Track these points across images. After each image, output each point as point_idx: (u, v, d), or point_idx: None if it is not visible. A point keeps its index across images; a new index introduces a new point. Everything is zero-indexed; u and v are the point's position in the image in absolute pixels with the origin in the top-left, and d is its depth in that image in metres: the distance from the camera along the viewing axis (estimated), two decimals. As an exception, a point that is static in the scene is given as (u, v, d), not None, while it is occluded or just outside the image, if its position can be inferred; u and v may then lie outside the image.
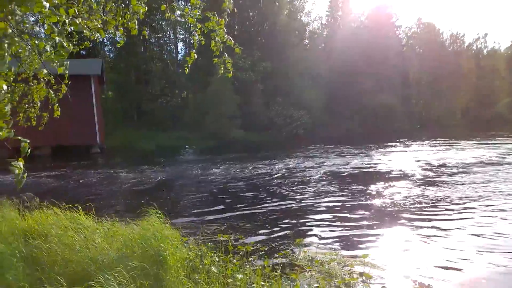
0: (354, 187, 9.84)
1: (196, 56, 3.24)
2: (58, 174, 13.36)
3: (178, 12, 3.48)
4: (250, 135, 29.70)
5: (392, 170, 12.51)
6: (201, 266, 3.74)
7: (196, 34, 3.35)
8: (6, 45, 2.50)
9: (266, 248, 5.18)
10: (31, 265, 3.06)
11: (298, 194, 9.11)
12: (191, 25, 3.44)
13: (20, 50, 3.59)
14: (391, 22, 44.26)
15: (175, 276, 3.25)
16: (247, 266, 4.06)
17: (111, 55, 38.88)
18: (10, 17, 2.52)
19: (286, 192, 9.46)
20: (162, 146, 24.93)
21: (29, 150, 2.09)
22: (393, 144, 22.96)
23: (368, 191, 9.25)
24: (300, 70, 35.81)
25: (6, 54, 2.78)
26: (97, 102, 21.70)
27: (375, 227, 6.26)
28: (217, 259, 4.13)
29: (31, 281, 2.80)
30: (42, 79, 3.90)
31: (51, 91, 3.69)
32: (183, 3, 37.57)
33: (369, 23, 42.76)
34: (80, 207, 4.71)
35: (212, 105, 29.41)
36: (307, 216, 7.08)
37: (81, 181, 11.99)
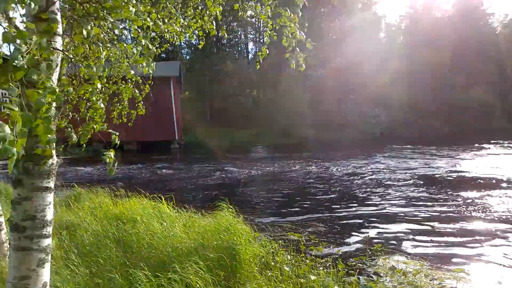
0: (445, 193, 8.91)
1: (267, 52, 3.28)
2: (143, 167, 14.62)
3: (250, 12, 3.54)
4: (322, 133, 29.14)
5: (491, 176, 10.98)
6: (273, 263, 3.76)
7: (268, 30, 3.39)
8: (101, 49, 2.78)
9: (341, 252, 4.99)
10: (122, 247, 3.38)
11: (379, 198, 8.60)
12: (262, 22, 3.48)
13: (111, 54, 3.99)
14: (481, 9, 39.77)
15: (248, 270, 3.32)
16: (320, 268, 3.97)
17: (188, 57, 41.35)
18: (102, 23, 2.79)
19: (366, 195, 9.01)
20: (235, 143, 25.76)
21: (118, 141, 2.32)
22: (490, 145, 20.42)
23: (462, 198, 8.27)
24: (376, 65, 34.08)
25: (101, 57, 3.11)
26: (175, 102, 23.26)
27: (470, 240, 5.60)
28: (289, 257, 4.12)
29: (121, 261, 3.09)
30: (129, 80, 4.30)
31: (136, 91, 4.03)
32: (253, 3, 38.23)
33: (455, 11, 38.93)
34: (163, 198, 5.07)
35: (282, 103, 29.54)
36: (389, 223, 6.60)
37: (162, 173, 12.98)
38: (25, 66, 1.40)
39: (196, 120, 32.26)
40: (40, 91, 1.44)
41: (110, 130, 2.37)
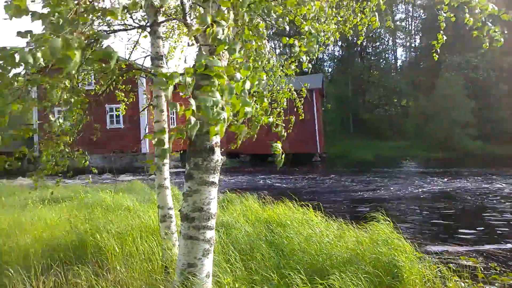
0: None
1: (444, 38, 2.82)
2: (285, 178, 15.10)
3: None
4: (491, 146, 24.56)
5: None
6: (443, 290, 3.18)
7: (443, 13, 2.92)
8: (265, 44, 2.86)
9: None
10: (273, 249, 3.42)
11: None
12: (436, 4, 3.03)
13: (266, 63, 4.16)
14: None
15: (414, 292, 2.87)
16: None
17: (329, 70, 41.42)
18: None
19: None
20: (381, 156, 24.16)
21: (281, 152, 2.38)
22: None
23: None
24: None
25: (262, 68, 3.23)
26: (318, 114, 23.46)
27: None
28: (463, 285, 3.43)
29: (275, 262, 3.10)
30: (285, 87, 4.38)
31: (294, 93, 4.06)
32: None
33: None
34: (310, 205, 4.99)
35: (438, 112, 26.25)
36: None
37: (305, 184, 13.10)
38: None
39: (339, 132, 31.77)
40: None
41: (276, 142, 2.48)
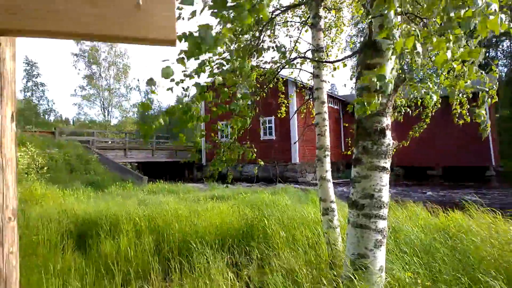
0: None
1: None
2: (452, 191, 13.18)
3: None
4: None
5: None
6: None
7: None
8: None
9: None
10: (455, 254, 2.94)
11: None
12: None
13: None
14: None
15: None
16: None
17: (505, 69, 34.81)
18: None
19: None
20: None
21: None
22: None
23: None
24: None
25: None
26: (491, 120, 19.89)
27: None
28: None
29: (459, 266, 2.64)
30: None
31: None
32: None
33: None
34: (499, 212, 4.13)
35: None
36: None
37: (479, 198, 11.11)
38: None
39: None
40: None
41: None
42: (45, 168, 11.39)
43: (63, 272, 3.30)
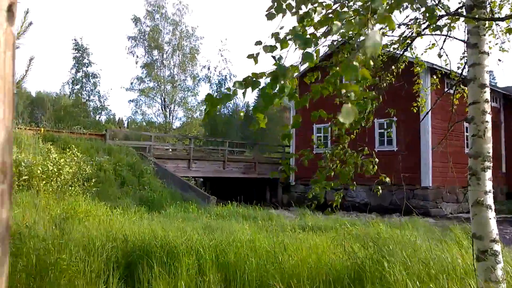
0: None
1: None
2: None
3: None
4: None
5: None
6: None
7: None
8: None
9: None
10: None
11: None
12: None
13: None
14: None
15: None
16: None
17: None
18: None
19: None
20: None
21: None
22: None
23: None
24: None
25: None
26: None
27: None
28: None
29: None
30: None
31: None
32: None
33: None
34: None
35: None
36: None
37: None
38: None
39: None
40: None
41: None
42: (93, 180, 12.45)
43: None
